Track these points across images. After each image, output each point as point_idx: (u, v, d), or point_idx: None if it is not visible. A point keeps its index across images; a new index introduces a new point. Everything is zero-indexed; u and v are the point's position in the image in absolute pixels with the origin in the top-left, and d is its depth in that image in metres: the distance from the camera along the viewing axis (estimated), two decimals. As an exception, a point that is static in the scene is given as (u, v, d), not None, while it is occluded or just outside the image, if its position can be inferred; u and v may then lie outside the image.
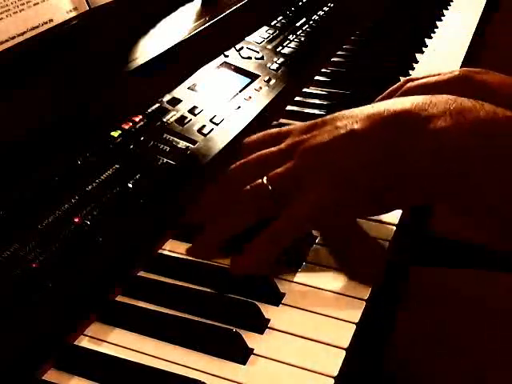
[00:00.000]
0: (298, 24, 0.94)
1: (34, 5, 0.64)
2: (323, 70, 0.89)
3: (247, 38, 0.84)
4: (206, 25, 0.79)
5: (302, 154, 0.51)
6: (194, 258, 0.54)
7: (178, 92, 0.68)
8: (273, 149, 0.54)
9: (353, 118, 0.51)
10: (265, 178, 0.51)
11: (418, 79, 0.70)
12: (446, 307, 0.74)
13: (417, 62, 0.92)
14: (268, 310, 0.48)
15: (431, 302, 0.75)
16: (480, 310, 0.74)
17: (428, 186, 0.48)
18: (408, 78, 0.73)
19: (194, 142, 0.62)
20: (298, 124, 0.56)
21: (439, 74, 0.68)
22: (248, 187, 0.52)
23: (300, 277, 0.52)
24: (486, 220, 0.49)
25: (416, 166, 0.48)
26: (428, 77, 0.69)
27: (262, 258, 0.51)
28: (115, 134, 0.59)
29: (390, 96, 0.72)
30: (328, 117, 0.53)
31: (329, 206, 0.50)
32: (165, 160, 0.59)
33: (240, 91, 0.73)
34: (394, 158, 0.48)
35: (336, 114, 0.53)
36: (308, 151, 0.51)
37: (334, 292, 0.50)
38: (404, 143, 0.48)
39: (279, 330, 0.47)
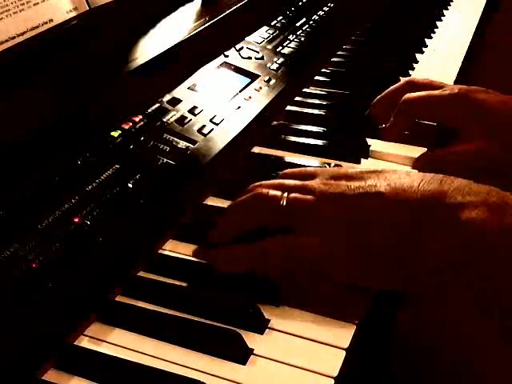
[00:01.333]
0: (298, 24, 0.94)
1: (34, 5, 0.64)
2: (323, 70, 0.89)
3: (247, 38, 0.84)
4: (206, 25, 0.79)
5: (324, 196, 0.50)
6: (196, 259, 0.54)
7: (178, 92, 0.68)
8: (298, 182, 0.54)
9: (386, 180, 0.49)
10: (284, 194, 0.51)
11: (418, 82, 0.71)
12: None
13: (417, 61, 0.92)
14: (268, 310, 0.48)
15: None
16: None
17: (441, 279, 0.45)
18: (409, 79, 0.74)
19: (194, 141, 0.62)
20: (331, 168, 0.58)
21: (441, 86, 0.68)
22: (262, 191, 0.52)
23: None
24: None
25: (433, 255, 0.44)
26: (429, 83, 0.70)
27: (244, 267, 0.51)
28: (115, 134, 0.59)
29: (390, 96, 0.72)
30: (364, 170, 0.52)
31: (327, 257, 0.48)
32: (165, 160, 0.59)
33: (240, 91, 0.73)
34: (411, 240, 0.45)
35: (374, 170, 0.51)
36: (331, 196, 0.50)
37: (334, 292, 0.50)
38: (427, 226, 0.45)
39: (279, 330, 0.47)
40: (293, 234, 0.50)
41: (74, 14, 0.69)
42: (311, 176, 0.54)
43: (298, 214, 0.51)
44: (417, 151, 0.68)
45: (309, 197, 0.51)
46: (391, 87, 0.72)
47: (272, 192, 0.52)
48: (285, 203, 0.51)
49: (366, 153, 0.69)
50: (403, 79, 0.74)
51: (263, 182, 0.55)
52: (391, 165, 0.67)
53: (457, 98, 0.65)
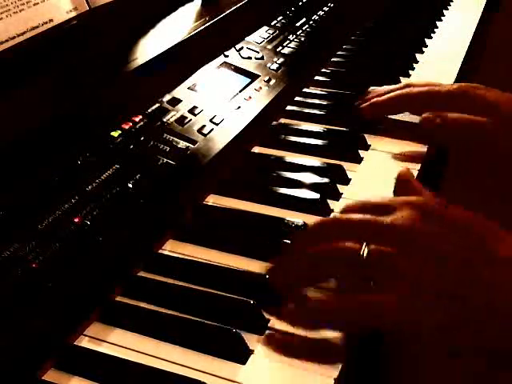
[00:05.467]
0: (298, 24, 0.94)
1: (34, 5, 0.64)
2: (323, 70, 0.89)
3: (247, 38, 0.84)
4: (206, 25, 0.79)
5: (411, 253, 0.45)
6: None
7: (178, 92, 0.68)
8: (381, 221, 0.47)
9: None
10: (365, 247, 0.45)
11: (415, 85, 0.71)
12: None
13: (417, 62, 0.92)
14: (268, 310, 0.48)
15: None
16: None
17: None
18: (407, 83, 0.73)
19: (194, 142, 0.62)
20: (407, 202, 0.48)
21: (440, 85, 0.69)
22: (343, 246, 0.46)
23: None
24: None
25: None
26: (428, 85, 0.70)
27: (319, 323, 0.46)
28: (115, 134, 0.59)
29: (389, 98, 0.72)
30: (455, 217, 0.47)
31: (409, 317, 0.44)
32: (165, 160, 0.59)
33: (240, 91, 0.73)
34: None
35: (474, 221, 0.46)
36: (419, 255, 0.44)
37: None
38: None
39: (279, 330, 0.47)
40: (374, 290, 0.45)
41: (73, 14, 0.69)
42: (383, 208, 0.48)
43: (383, 270, 0.45)
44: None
45: (393, 251, 0.45)
46: (390, 86, 0.72)
47: (349, 246, 0.46)
48: (364, 257, 0.45)
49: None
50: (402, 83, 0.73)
51: (340, 218, 0.49)
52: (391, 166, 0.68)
53: (458, 92, 0.66)
